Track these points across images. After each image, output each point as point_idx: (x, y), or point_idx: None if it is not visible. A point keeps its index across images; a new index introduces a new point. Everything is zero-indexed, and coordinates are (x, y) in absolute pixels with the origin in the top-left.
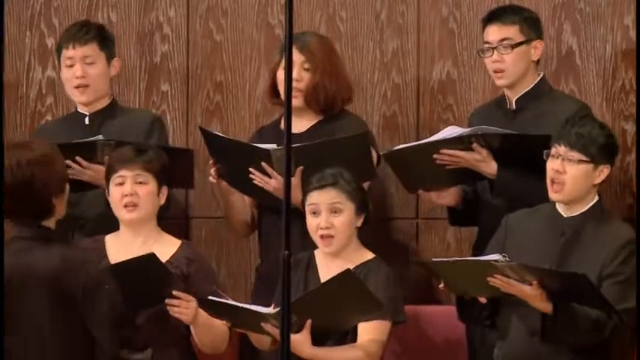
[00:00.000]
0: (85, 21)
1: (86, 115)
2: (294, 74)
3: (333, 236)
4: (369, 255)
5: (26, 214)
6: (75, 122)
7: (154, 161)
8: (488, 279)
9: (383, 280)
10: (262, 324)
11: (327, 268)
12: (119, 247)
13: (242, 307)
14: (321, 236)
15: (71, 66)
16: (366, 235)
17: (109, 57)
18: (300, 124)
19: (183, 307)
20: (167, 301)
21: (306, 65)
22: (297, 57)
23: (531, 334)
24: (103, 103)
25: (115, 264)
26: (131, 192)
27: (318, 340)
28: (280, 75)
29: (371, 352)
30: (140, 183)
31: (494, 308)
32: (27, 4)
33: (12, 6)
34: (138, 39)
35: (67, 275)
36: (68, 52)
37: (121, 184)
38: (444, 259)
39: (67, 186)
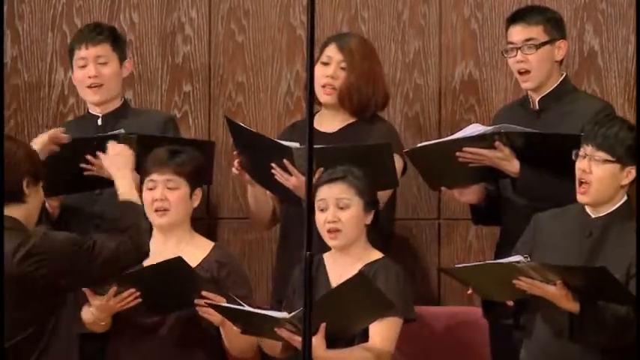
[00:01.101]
0: (97, 23)
1: (99, 117)
2: (330, 71)
3: (340, 230)
4: (378, 254)
5: None
6: (88, 124)
7: (186, 164)
8: (514, 281)
9: (392, 278)
10: (276, 329)
11: (336, 268)
12: (152, 249)
13: (255, 313)
14: (329, 230)
15: (84, 66)
16: (387, 236)
17: (122, 58)
18: (333, 124)
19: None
20: (196, 301)
21: (343, 64)
22: (335, 55)
23: (558, 334)
24: (116, 104)
25: (142, 269)
26: (161, 197)
27: (329, 342)
28: (317, 71)
29: (383, 352)
30: (171, 189)
31: (519, 308)
32: (49, 4)
33: (34, 7)
34: (160, 40)
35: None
36: (81, 53)
37: (152, 188)
38: (467, 265)
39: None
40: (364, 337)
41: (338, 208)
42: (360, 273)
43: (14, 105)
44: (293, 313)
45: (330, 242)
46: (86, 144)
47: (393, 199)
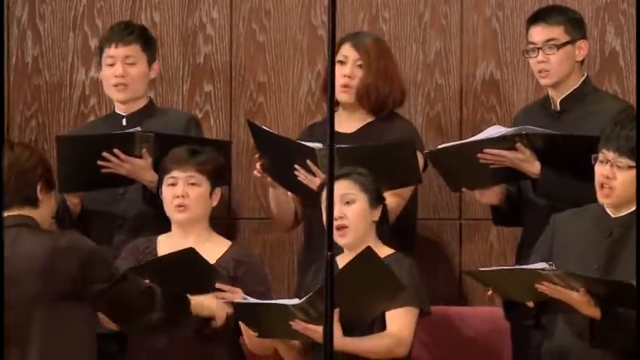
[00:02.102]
0: (129, 21)
1: (124, 116)
2: (347, 70)
3: (347, 226)
4: (389, 250)
5: (9, 203)
6: (113, 122)
7: (207, 163)
8: (536, 285)
9: (406, 270)
10: (291, 323)
11: None
12: (170, 247)
13: (268, 304)
14: (336, 227)
15: (112, 65)
16: (409, 236)
17: (150, 59)
18: (351, 125)
19: (228, 300)
20: (212, 295)
21: (360, 63)
22: (351, 54)
23: (578, 336)
24: (140, 103)
25: (155, 259)
26: (182, 193)
27: (346, 330)
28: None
29: (402, 340)
30: (192, 184)
31: (540, 308)
32: (70, 5)
33: (55, 7)
34: (181, 40)
35: (61, 257)
36: (110, 51)
37: (174, 184)
38: (491, 269)
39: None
40: (382, 327)
41: (343, 204)
42: (368, 248)
43: (35, 105)
44: (304, 298)
45: (338, 241)
46: (103, 141)
47: (414, 198)
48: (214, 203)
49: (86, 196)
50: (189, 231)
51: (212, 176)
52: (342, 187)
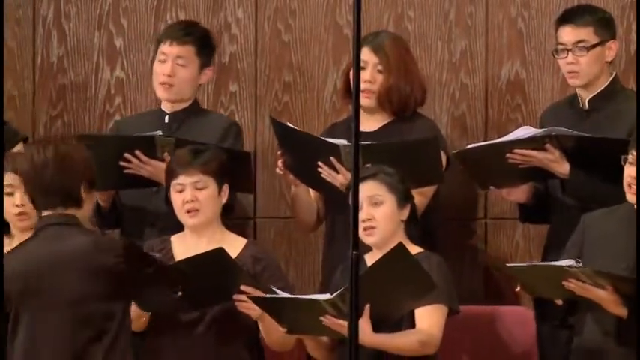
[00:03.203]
0: (193, 22)
1: (167, 114)
2: (367, 75)
3: (375, 227)
4: (418, 249)
5: (52, 202)
6: (155, 119)
7: (211, 162)
8: (564, 283)
9: (435, 268)
10: (321, 318)
11: None
12: (185, 248)
13: (296, 299)
14: (364, 228)
15: (163, 61)
16: (433, 236)
17: (203, 64)
18: (372, 124)
19: (244, 307)
20: (235, 296)
21: (380, 67)
22: (370, 58)
23: (605, 335)
24: (185, 103)
25: (183, 260)
26: (191, 198)
27: (375, 326)
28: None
29: (430, 337)
30: (199, 189)
31: (568, 307)
32: (95, 4)
33: (80, 6)
34: None
35: (102, 255)
36: (164, 48)
37: (181, 191)
38: (519, 265)
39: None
40: (411, 324)
41: (371, 205)
42: (400, 244)
43: (61, 105)
44: (335, 293)
45: (366, 240)
46: (126, 143)
47: (438, 197)
48: (224, 200)
49: (121, 193)
50: (202, 233)
51: (218, 175)
52: (369, 189)
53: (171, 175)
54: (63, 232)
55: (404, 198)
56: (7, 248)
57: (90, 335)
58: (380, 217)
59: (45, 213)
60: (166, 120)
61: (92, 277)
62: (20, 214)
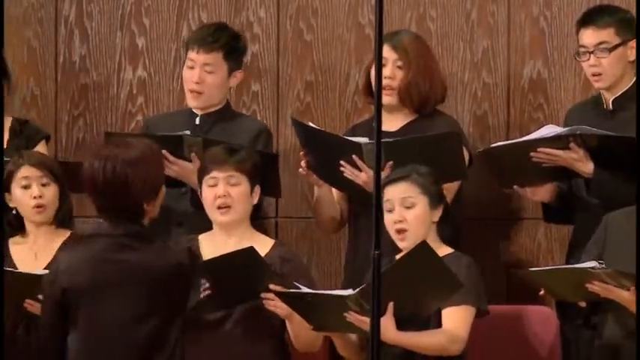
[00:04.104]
0: (221, 25)
1: (198, 115)
2: (387, 72)
3: (407, 230)
4: (449, 249)
5: (112, 213)
6: (186, 120)
7: (246, 161)
8: (587, 285)
9: (464, 269)
10: (345, 314)
11: None
12: (213, 247)
13: (321, 294)
14: (397, 231)
15: (192, 68)
16: (457, 235)
17: (232, 68)
18: (393, 123)
19: (279, 301)
20: (263, 295)
21: (399, 63)
22: (390, 55)
23: (628, 336)
24: (217, 106)
25: (213, 259)
26: (224, 193)
27: (401, 325)
28: (374, 73)
29: (457, 337)
30: (233, 184)
31: (591, 308)
32: (117, 4)
33: (102, 6)
34: None
35: (169, 271)
36: (192, 54)
37: (214, 185)
38: (540, 269)
39: (163, 188)
40: (439, 323)
41: (404, 207)
42: (423, 242)
43: (83, 104)
44: (358, 289)
45: (399, 244)
46: (155, 142)
47: (460, 196)
48: (255, 200)
49: None
50: (232, 231)
51: (251, 174)
52: (401, 190)
53: (203, 171)
54: (126, 243)
55: (436, 199)
56: (23, 246)
57: (152, 345)
58: (412, 219)
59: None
60: (197, 121)
61: (155, 289)
62: (37, 206)
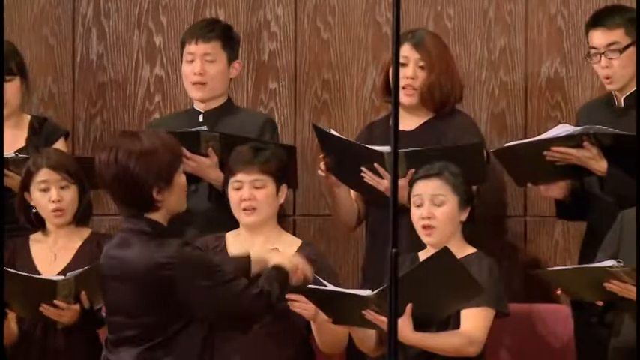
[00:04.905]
0: (213, 19)
1: (201, 113)
2: (409, 72)
3: (435, 227)
4: (472, 249)
5: (126, 206)
6: (189, 118)
7: (271, 162)
8: (605, 284)
9: (485, 270)
10: (364, 312)
11: None
12: (239, 246)
13: (342, 292)
14: (423, 226)
15: (191, 61)
16: (474, 233)
17: (231, 58)
18: (411, 122)
19: (304, 302)
20: (288, 295)
21: (422, 63)
22: (412, 54)
23: None
24: (219, 101)
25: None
26: (249, 197)
27: (421, 326)
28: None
29: (474, 339)
30: (258, 187)
31: (606, 306)
32: (135, 2)
33: (120, 4)
34: (246, 37)
35: (157, 271)
36: (190, 48)
37: (239, 188)
38: (557, 268)
39: (179, 179)
40: (458, 324)
41: (433, 204)
42: (445, 248)
43: (100, 103)
44: (377, 290)
45: (424, 239)
46: None
47: (478, 195)
48: (281, 200)
49: None
50: (258, 232)
51: (277, 175)
52: (432, 187)
53: (229, 171)
54: (128, 240)
55: (466, 199)
56: (43, 246)
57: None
58: (441, 217)
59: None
60: (200, 119)
61: (139, 287)
62: (56, 210)
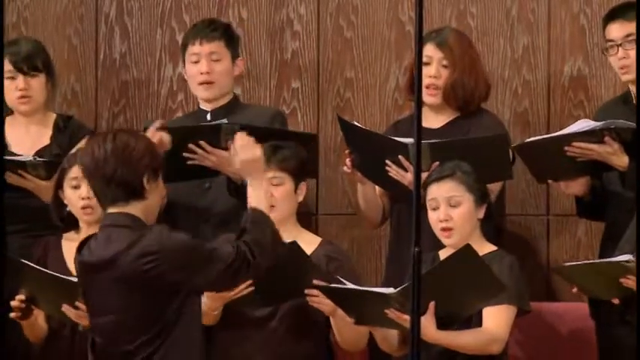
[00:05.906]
0: (212, 19)
1: (208, 112)
2: (432, 71)
3: (453, 228)
4: (492, 247)
5: (113, 191)
6: (197, 119)
7: (289, 159)
8: (621, 280)
9: (506, 268)
10: (386, 311)
11: None
12: None
13: (363, 291)
14: (442, 229)
15: (197, 62)
16: (496, 232)
17: (234, 56)
18: (436, 120)
19: (322, 297)
20: (307, 291)
21: (445, 62)
22: (435, 53)
23: None
24: (225, 99)
25: None
26: (267, 194)
27: (443, 325)
28: None
29: (496, 337)
30: (276, 185)
31: (626, 305)
32: (158, 0)
33: (143, 3)
34: (268, 36)
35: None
36: (194, 48)
37: None
38: (575, 263)
39: (161, 182)
40: (480, 322)
41: (449, 206)
42: (468, 245)
43: (123, 101)
44: (399, 288)
45: (444, 241)
46: (189, 133)
47: (502, 194)
48: (300, 198)
49: (171, 190)
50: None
51: (295, 173)
52: (447, 189)
53: None
54: (111, 235)
55: (481, 197)
56: (74, 244)
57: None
58: (458, 217)
59: (109, 209)
60: (208, 117)
61: (114, 284)
62: (85, 207)
